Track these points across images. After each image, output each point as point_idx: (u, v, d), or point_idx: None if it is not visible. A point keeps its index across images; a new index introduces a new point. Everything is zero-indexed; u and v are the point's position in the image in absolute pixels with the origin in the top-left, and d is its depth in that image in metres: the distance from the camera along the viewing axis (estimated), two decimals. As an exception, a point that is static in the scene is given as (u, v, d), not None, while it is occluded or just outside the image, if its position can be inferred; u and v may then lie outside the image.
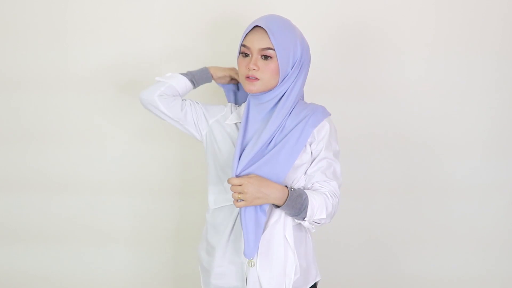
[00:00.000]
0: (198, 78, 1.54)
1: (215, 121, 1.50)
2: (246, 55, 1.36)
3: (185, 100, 1.53)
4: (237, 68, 1.47)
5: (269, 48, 1.32)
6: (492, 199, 2.03)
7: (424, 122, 1.99)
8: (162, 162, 2.01)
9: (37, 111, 1.99)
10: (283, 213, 1.37)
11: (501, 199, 2.04)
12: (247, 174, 1.32)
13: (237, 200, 1.28)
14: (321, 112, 1.41)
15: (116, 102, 1.98)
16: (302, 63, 1.39)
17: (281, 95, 1.38)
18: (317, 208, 1.32)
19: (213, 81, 1.62)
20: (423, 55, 1.96)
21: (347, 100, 1.97)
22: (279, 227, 1.36)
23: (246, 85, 1.37)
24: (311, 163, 1.39)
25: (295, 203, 1.30)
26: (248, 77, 1.35)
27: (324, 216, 1.33)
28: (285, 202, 1.30)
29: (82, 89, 1.97)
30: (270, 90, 1.37)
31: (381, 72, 1.97)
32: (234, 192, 1.28)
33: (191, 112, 1.50)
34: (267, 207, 1.35)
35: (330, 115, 1.44)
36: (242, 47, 1.37)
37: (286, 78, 1.37)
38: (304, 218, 1.32)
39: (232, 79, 1.60)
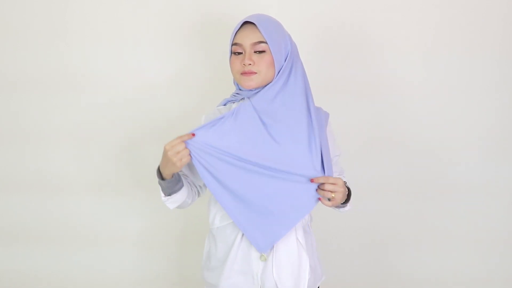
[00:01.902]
0: (172, 181, 1.37)
1: None
2: (239, 53, 1.36)
3: (186, 177, 1.44)
4: None
5: (261, 42, 1.33)
6: (493, 199, 2.04)
7: (424, 122, 1.99)
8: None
9: (37, 111, 1.99)
10: None
11: (502, 200, 2.04)
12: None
13: (327, 199, 1.30)
14: (325, 114, 1.46)
15: (117, 102, 1.97)
16: (293, 58, 1.38)
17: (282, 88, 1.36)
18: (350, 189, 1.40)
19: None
20: (423, 56, 1.96)
21: (347, 101, 1.97)
22: (292, 232, 1.36)
23: (243, 82, 1.35)
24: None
25: (349, 192, 1.39)
26: (244, 73, 1.34)
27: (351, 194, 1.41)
28: (347, 196, 1.38)
29: (81, 90, 1.97)
30: (268, 84, 1.36)
31: (381, 73, 1.97)
32: (327, 191, 1.28)
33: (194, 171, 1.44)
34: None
35: (329, 114, 1.48)
36: (234, 46, 1.36)
37: (281, 71, 1.35)
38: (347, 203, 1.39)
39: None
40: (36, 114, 1.99)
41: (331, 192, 1.28)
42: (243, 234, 1.37)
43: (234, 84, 1.43)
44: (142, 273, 2.07)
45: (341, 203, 1.36)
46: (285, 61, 1.36)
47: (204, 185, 1.46)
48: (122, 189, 2.03)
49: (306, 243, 1.39)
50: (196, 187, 1.46)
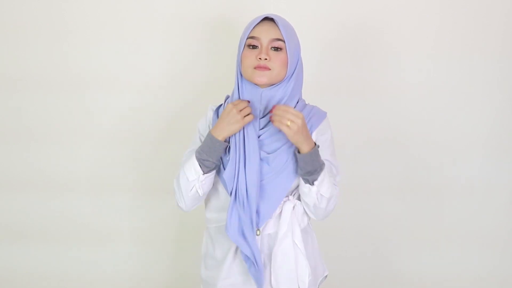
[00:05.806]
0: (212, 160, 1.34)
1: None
2: (254, 47, 1.33)
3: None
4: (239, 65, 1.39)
5: (279, 39, 1.31)
6: (493, 199, 2.04)
7: (424, 123, 2.00)
8: (163, 162, 2.00)
9: (38, 111, 1.99)
10: (291, 222, 1.34)
11: (502, 200, 2.04)
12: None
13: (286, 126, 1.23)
14: (319, 114, 1.40)
15: (118, 102, 1.98)
16: (300, 64, 1.39)
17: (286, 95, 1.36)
18: (327, 180, 1.30)
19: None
20: (423, 57, 1.96)
21: (347, 102, 1.97)
22: (289, 237, 1.34)
23: (256, 76, 1.31)
24: None
25: (316, 157, 1.28)
26: (258, 67, 1.31)
27: (327, 196, 1.30)
28: (311, 150, 1.26)
29: (82, 89, 1.97)
30: (278, 84, 1.34)
31: (382, 74, 1.97)
32: (284, 118, 1.23)
33: None
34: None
35: (326, 113, 1.42)
36: (250, 39, 1.32)
37: (292, 75, 1.35)
38: (314, 181, 1.27)
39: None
40: (37, 114, 1.99)
41: (290, 120, 1.23)
42: None
43: (238, 80, 1.38)
44: (143, 273, 2.08)
45: (308, 174, 1.28)
46: (296, 65, 1.36)
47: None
48: (124, 189, 2.03)
49: (305, 245, 1.37)
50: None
